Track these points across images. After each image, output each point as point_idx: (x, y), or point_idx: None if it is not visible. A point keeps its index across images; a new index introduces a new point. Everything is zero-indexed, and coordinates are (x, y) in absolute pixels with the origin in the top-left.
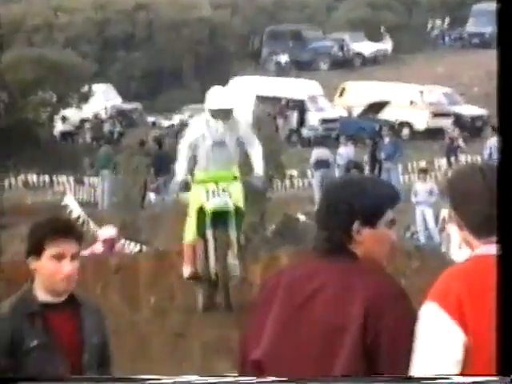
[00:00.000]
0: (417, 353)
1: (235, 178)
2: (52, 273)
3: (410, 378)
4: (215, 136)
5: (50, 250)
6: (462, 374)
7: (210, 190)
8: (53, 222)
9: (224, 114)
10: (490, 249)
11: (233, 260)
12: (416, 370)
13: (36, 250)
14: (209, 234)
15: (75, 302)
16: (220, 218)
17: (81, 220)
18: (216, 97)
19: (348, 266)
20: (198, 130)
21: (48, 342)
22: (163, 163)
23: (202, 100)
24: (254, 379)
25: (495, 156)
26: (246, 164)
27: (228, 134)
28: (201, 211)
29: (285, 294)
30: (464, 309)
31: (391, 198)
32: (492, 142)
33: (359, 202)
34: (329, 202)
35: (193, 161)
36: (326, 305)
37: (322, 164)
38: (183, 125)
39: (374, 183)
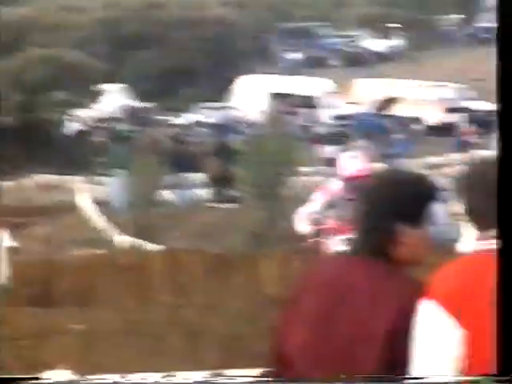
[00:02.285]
0: (416, 351)
1: None
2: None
3: (410, 378)
4: None
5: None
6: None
7: None
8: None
9: None
10: (490, 244)
11: None
12: (415, 369)
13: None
14: None
15: None
16: None
17: (95, 220)
18: None
19: (382, 270)
20: None
21: None
22: (180, 161)
23: (214, 98)
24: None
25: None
26: None
27: None
28: None
29: (319, 292)
30: (461, 304)
31: (432, 195)
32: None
33: (404, 202)
34: (371, 203)
35: None
36: (355, 310)
37: (331, 162)
38: (196, 123)
39: (415, 180)
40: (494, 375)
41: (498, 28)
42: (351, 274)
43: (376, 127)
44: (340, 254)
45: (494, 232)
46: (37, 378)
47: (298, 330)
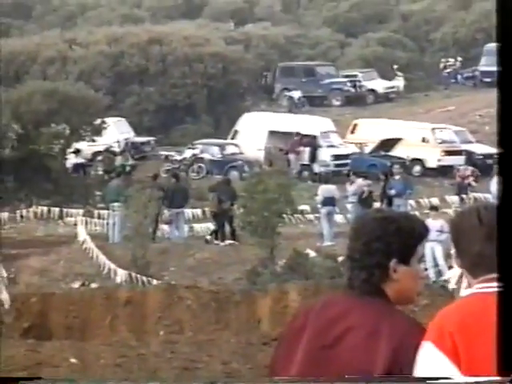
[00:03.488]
0: None
1: None
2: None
3: (413, 379)
4: None
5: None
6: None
7: None
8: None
9: None
10: (485, 287)
11: None
12: None
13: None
14: None
15: None
16: None
17: (92, 253)
18: None
19: (379, 308)
20: None
21: None
22: (179, 196)
23: (214, 135)
24: None
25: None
26: None
27: None
28: None
29: (313, 332)
30: (458, 347)
31: (422, 234)
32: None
33: (396, 240)
34: (364, 241)
35: None
36: (352, 349)
37: (328, 201)
38: (195, 159)
39: (406, 219)
40: (494, 375)
41: (500, 72)
42: (348, 313)
43: (374, 167)
44: (337, 292)
45: (486, 276)
46: (37, 378)
47: (293, 369)
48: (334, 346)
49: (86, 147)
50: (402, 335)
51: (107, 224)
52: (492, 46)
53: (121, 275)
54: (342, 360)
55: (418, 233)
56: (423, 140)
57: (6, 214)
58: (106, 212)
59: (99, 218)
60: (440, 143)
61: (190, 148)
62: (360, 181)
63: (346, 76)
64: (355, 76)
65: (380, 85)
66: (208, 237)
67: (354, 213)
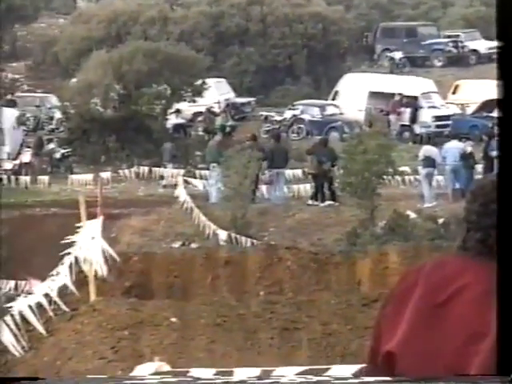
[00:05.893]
0: None
1: None
2: None
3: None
4: None
5: None
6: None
7: None
8: None
9: None
10: None
11: None
12: None
13: None
14: None
15: None
16: None
17: (191, 213)
18: None
19: (495, 269)
20: None
21: None
22: (279, 157)
23: (314, 95)
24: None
25: None
26: None
27: None
28: None
29: (425, 290)
30: None
31: None
32: None
33: None
34: (481, 202)
35: None
36: (466, 308)
37: (429, 162)
38: (295, 120)
39: None
40: (494, 375)
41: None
42: (463, 272)
43: (476, 128)
44: (449, 254)
45: None
46: (37, 379)
47: (401, 327)
48: (447, 304)
49: (187, 108)
50: None
51: (207, 184)
52: None
53: (221, 235)
54: (455, 318)
55: None
56: None
57: (108, 174)
58: (206, 172)
59: (200, 178)
60: None
61: (290, 109)
62: (451, 143)
63: (448, 36)
64: (457, 36)
65: (483, 45)
66: (309, 201)
67: (450, 173)
